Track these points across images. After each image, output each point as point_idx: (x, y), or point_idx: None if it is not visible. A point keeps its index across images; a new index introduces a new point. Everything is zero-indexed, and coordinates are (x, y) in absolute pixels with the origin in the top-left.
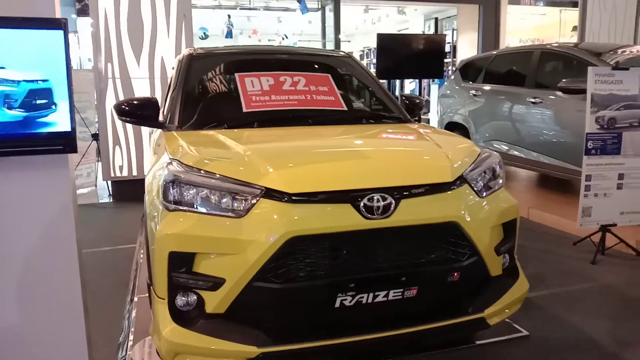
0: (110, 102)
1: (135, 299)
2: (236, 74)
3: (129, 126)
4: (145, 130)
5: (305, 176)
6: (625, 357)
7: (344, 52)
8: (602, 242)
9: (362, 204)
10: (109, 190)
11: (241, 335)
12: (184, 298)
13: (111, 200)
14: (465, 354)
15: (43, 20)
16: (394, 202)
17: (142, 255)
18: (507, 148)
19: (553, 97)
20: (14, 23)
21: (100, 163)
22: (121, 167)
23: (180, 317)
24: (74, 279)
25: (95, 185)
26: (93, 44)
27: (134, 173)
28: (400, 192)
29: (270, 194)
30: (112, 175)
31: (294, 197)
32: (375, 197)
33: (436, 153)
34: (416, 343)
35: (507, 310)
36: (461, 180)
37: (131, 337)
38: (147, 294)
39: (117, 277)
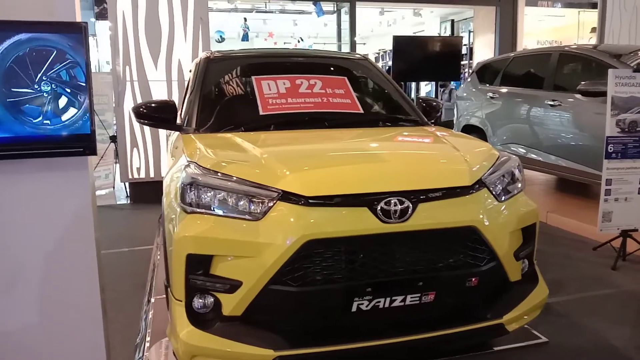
0: (128, 105)
1: (152, 300)
2: (253, 77)
3: (147, 128)
4: (162, 132)
5: (322, 179)
6: None
7: (360, 54)
8: (623, 248)
9: (379, 208)
10: (126, 191)
11: (258, 339)
12: (201, 300)
13: (128, 202)
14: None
15: (64, 24)
16: (411, 205)
17: (159, 257)
18: (524, 151)
19: (572, 100)
20: (36, 27)
21: (118, 165)
22: (138, 169)
23: (197, 319)
24: (93, 280)
25: (113, 187)
26: (111, 47)
27: (151, 175)
28: (418, 196)
29: (287, 197)
30: (130, 177)
31: (310, 200)
32: (392, 201)
33: (454, 156)
34: (434, 349)
35: (526, 317)
36: (480, 184)
37: (148, 339)
38: (164, 296)
39: (134, 278)
